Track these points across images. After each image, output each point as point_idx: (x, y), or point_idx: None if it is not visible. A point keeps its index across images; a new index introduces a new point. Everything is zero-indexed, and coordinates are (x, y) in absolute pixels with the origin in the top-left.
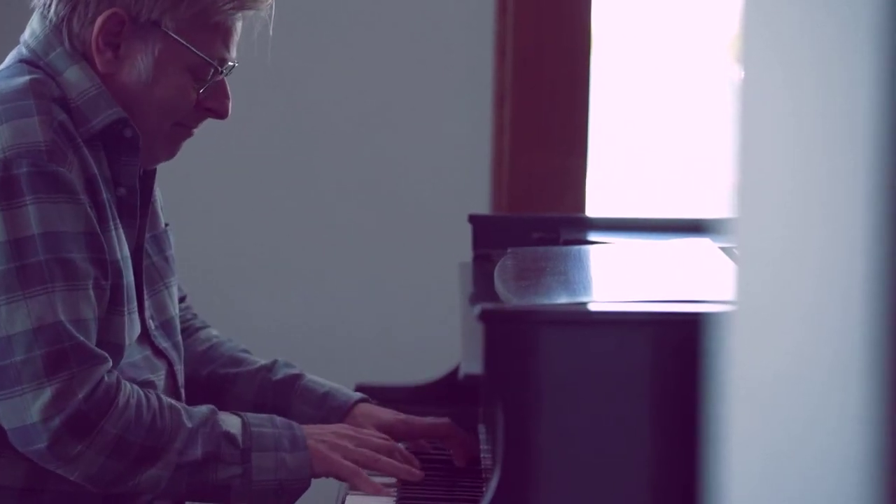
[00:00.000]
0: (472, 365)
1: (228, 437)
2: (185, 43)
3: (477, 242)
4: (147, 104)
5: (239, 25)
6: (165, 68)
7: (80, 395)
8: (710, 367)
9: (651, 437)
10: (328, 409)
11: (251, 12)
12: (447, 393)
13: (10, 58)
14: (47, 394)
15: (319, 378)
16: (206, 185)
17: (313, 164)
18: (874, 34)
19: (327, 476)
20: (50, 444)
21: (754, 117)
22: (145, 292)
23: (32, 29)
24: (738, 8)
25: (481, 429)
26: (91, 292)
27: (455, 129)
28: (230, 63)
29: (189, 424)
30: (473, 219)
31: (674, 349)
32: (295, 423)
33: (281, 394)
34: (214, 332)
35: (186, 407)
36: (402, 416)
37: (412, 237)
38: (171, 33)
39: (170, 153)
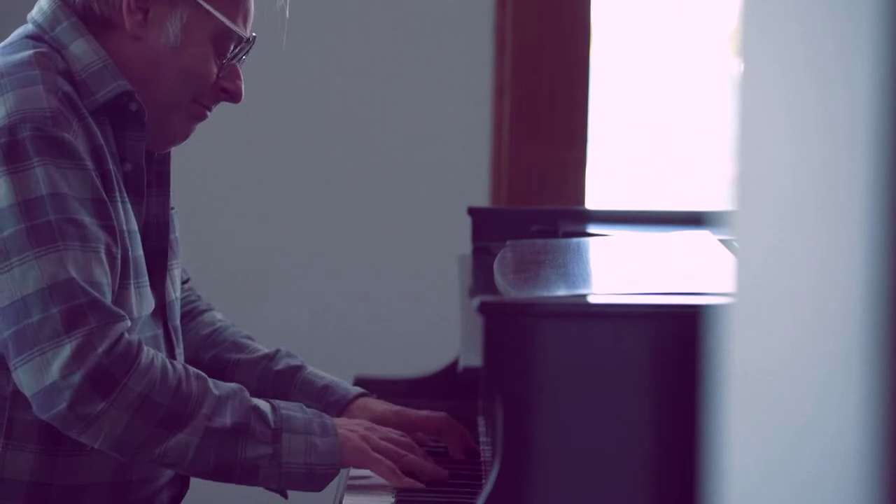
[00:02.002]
0: (472, 357)
1: (258, 412)
2: (212, 10)
3: (476, 235)
4: (171, 70)
5: (252, 3)
6: (192, 35)
7: (100, 350)
8: (709, 359)
9: (650, 429)
10: (326, 402)
11: None
12: (446, 386)
13: (15, 34)
14: (66, 350)
15: (320, 371)
16: (206, 175)
17: (313, 158)
18: (873, 28)
19: (358, 467)
20: (71, 403)
21: (753, 111)
22: (168, 267)
23: (39, 5)
24: (737, 1)
25: (481, 421)
26: (103, 256)
27: (454, 122)
28: (248, 39)
29: (216, 392)
30: (473, 211)
31: (673, 341)
32: (323, 413)
33: (281, 384)
34: (219, 315)
35: (213, 379)
36: (396, 408)
37: (411, 230)
38: (201, 2)
39: (184, 133)
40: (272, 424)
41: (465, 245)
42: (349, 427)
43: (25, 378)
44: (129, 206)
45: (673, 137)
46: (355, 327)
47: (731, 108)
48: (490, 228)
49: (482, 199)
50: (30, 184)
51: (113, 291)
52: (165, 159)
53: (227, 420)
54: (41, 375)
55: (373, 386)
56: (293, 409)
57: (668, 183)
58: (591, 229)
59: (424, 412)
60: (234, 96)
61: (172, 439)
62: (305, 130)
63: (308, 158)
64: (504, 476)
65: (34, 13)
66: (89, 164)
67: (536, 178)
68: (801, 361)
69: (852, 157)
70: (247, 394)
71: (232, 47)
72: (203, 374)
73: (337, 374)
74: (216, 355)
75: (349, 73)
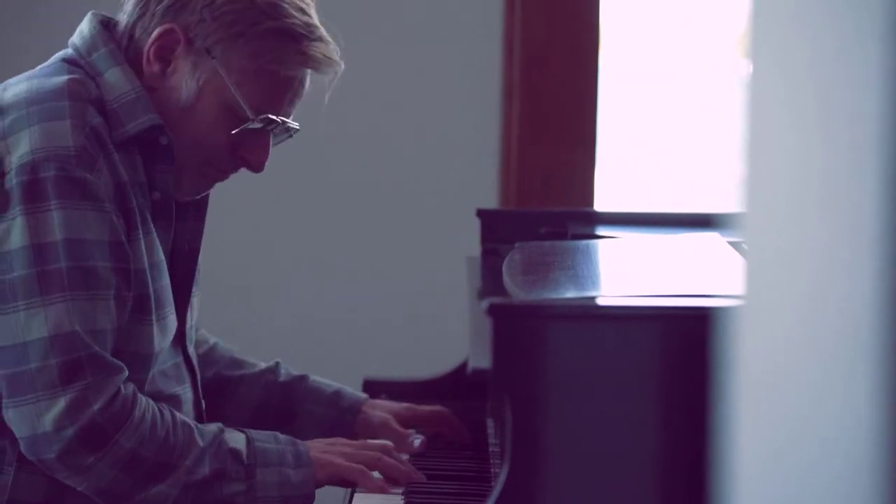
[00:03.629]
0: (481, 360)
1: (234, 453)
2: (228, 82)
3: (485, 237)
4: (179, 128)
5: (299, 83)
6: (205, 100)
7: (96, 407)
8: (718, 361)
9: (659, 431)
10: (340, 408)
11: (312, 73)
12: (455, 387)
13: (54, 57)
14: (61, 404)
15: (322, 378)
16: None
17: (322, 159)
18: (881, 30)
19: (332, 481)
20: (60, 455)
21: (762, 112)
22: (192, 293)
23: (80, 30)
24: (746, 3)
25: (489, 423)
26: (111, 303)
27: (463, 125)
28: (277, 120)
29: (201, 443)
30: (482, 213)
31: (682, 343)
32: (297, 440)
33: (288, 395)
34: (205, 332)
35: (198, 425)
36: (406, 404)
37: (421, 231)
38: (218, 66)
39: (196, 190)
40: (245, 461)
41: (474, 247)
42: (322, 449)
43: (16, 419)
44: (153, 237)
45: (681, 139)
46: (364, 329)
47: (740, 109)
48: (499, 230)
49: (491, 201)
50: (46, 227)
51: (118, 330)
52: None
53: (206, 469)
54: (33, 423)
55: (382, 388)
56: (267, 441)
57: (676, 185)
58: (600, 231)
59: (430, 407)
60: (251, 167)
61: (153, 489)
62: (315, 133)
63: (317, 160)
64: (513, 478)
65: (75, 37)
66: (109, 206)
67: (545, 179)
68: (808, 363)
69: (860, 159)
70: (227, 435)
71: (249, 121)
72: (189, 422)
73: (346, 377)
74: (218, 373)
75: (358, 75)
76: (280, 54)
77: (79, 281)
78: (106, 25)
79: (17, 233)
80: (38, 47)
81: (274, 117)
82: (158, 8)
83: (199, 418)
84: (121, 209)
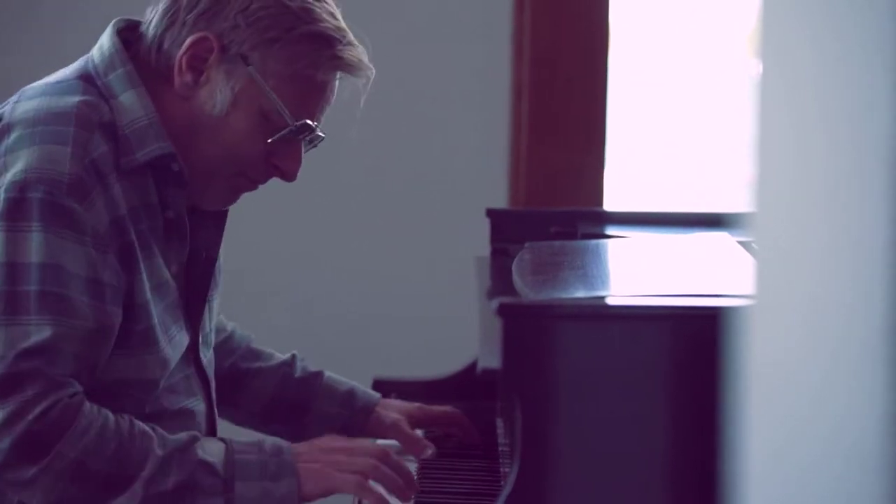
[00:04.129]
0: (490, 359)
1: (205, 465)
2: (266, 88)
3: (494, 236)
4: (212, 139)
5: (331, 88)
6: (241, 108)
7: (30, 417)
8: (728, 361)
9: (668, 431)
10: (353, 408)
11: (348, 77)
12: (464, 387)
13: (73, 69)
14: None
15: (336, 375)
16: None
17: (331, 159)
18: (890, 30)
19: (325, 494)
20: (0, 467)
21: (772, 112)
22: (208, 298)
23: (101, 44)
24: (755, 3)
25: (499, 423)
26: (80, 333)
27: (473, 124)
28: (310, 125)
29: (160, 452)
30: (491, 213)
31: (691, 343)
32: (285, 446)
33: (302, 392)
34: (223, 318)
35: (163, 433)
36: (417, 404)
37: (430, 231)
38: (255, 73)
39: (224, 201)
40: (222, 474)
41: (483, 247)
42: (312, 458)
43: None
44: (157, 260)
45: (691, 139)
46: (373, 329)
47: (750, 109)
48: (508, 230)
49: (500, 201)
50: (23, 247)
51: (96, 367)
52: None
53: (169, 481)
54: None
55: (391, 387)
56: (249, 452)
57: (686, 184)
58: (610, 231)
59: (442, 408)
60: (285, 177)
61: (112, 503)
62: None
63: (327, 160)
64: (523, 477)
65: (94, 51)
66: (90, 241)
67: (554, 179)
68: (819, 364)
69: (871, 159)
70: (197, 445)
71: (287, 127)
72: (150, 431)
73: (356, 376)
74: (234, 364)
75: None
76: (315, 59)
77: (47, 306)
78: (127, 39)
79: None
80: (38, 47)
81: (310, 123)
82: (189, 17)
83: (212, 431)
84: (117, 243)
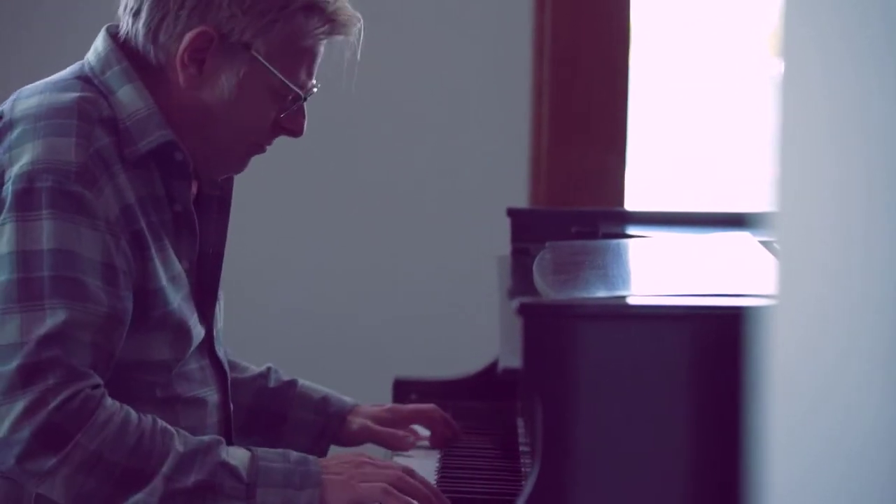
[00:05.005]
0: (511, 359)
1: (228, 468)
2: (272, 69)
3: (515, 236)
4: (225, 123)
5: (322, 50)
6: (248, 90)
7: (52, 406)
8: (750, 361)
9: (690, 431)
10: (327, 414)
11: (340, 38)
12: (485, 387)
13: (70, 71)
14: (19, 406)
15: (311, 383)
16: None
17: (354, 158)
18: None
19: None
20: (19, 459)
21: (794, 111)
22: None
23: (95, 47)
24: (777, 2)
25: (520, 423)
26: (97, 318)
27: (494, 124)
28: (311, 87)
29: (181, 449)
30: (512, 212)
31: (713, 343)
32: (312, 458)
33: (277, 401)
34: None
35: (185, 433)
36: (388, 405)
37: (451, 231)
38: (259, 57)
39: (239, 168)
40: (245, 479)
41: (504, 246)
42: (338, 470)
43: None
44: (169, 252)
45: (713, 139)
46: (394, 328)
47: (772, 108)
48: (529, 230)
49: (521, 201)
50: (34, 235)
51: (113, 358)
52: (228, 185)
53: (189, 479)
54: None
55: (412, 387)
56: (273, 460)
57: (707, 184)
58: (631, 231)
59: (413, 405)
60: (294, 134)
61: (131, 499)
62: (344, 132)
63: (347, 160)
64: (544, 477)
65: (90, 54)
66: (104, 225)
67: (575, 179)
68: (841, 363)
69: (893, 158)
70: (220, 448)
71: (292, 97)
72: (172, 429)
73: (377, 376)
74: None
75: (388, 74)
76: (311, 29)
77: (60, 290)
78: (119, 39)
79: (5, 239)
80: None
81: (313, 83)
82: (182, 11)
83: (226, 421)
84: (128, 231)
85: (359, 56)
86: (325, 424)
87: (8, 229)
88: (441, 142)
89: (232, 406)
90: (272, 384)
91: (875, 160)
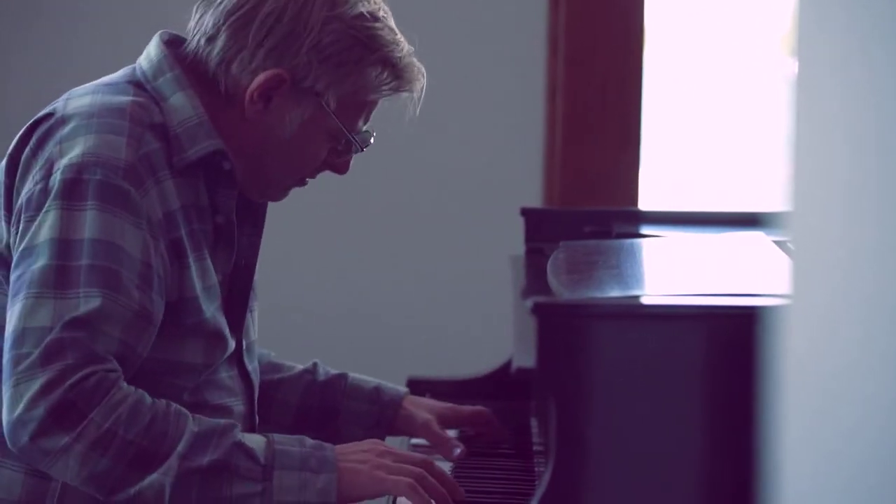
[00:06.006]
0: (525, 358)
1: (244, 448)
2: (332, 114)
3: (529, 236)
4: (279, 158)
5: (378, 102)
6: (309, 132)
7: (67, 384)
8: (764, 361)
9: (704, 431)
10: (381, 404)
11: (405, 94)
12: (499, 386)
13: (120, 75)
14: (37, 384)
15: (363, 375)
16: None
17: (366, 158)
18: None
19: (376, 495)
20: (33, 436)
21: (808, 111)
22: (250, 308)
23: (147, 52)
24: (791, 2)
25: (533, 422)
26: (128, 313)
27: (508, 124)
28: (370, 135)
29: (196, 429)
30: (526, 212)
31: (727, 343)
32: (327, 445)
33: (328, 395)
34: None
35: (199, 416)
36: (448, 404)
37: (465, 230)
38: (327, 108)
39: (280, 198)
40: (262, 461)
41: (518, 246)
42: (358, 458)
43: (3, 408)
44: (207, 263)
45: (727, 138)
46: (408, 328)
47: (786, 108)
48: (543, 229)
49: (535, 200)
50: (76, 224)
51: (137, 357)
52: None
53: (204, 458)
54: (12, 408)
55: (425, 387)
56: (290, 444)
57: (722, 184)
58: (645, 230)
59: (472, 408)
60: (340, 172)
61: (146, 479)
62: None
63: (362, 159)
64: (557, 477)
65: (142, 59)
66: (145, 226)
67: (589, 178)
68: (856, 363)
69: None
70: (236, 430)
71: (345, 144)
72: (186, 412)
73: (390, 376)
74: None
75: None
76: (379, 84)
77: (97, 280)
78: (172, 45)
79: (47, 226)
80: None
81: (370, 133)
82: (260, 50)
83: (251, 432)
84: (169, 237)
85: (417, 111)
86: (379, 414)
87: (51, 216)
88: (455, 141)
89: (258, 418)
90: (321, 378)
91: (888, 160)
